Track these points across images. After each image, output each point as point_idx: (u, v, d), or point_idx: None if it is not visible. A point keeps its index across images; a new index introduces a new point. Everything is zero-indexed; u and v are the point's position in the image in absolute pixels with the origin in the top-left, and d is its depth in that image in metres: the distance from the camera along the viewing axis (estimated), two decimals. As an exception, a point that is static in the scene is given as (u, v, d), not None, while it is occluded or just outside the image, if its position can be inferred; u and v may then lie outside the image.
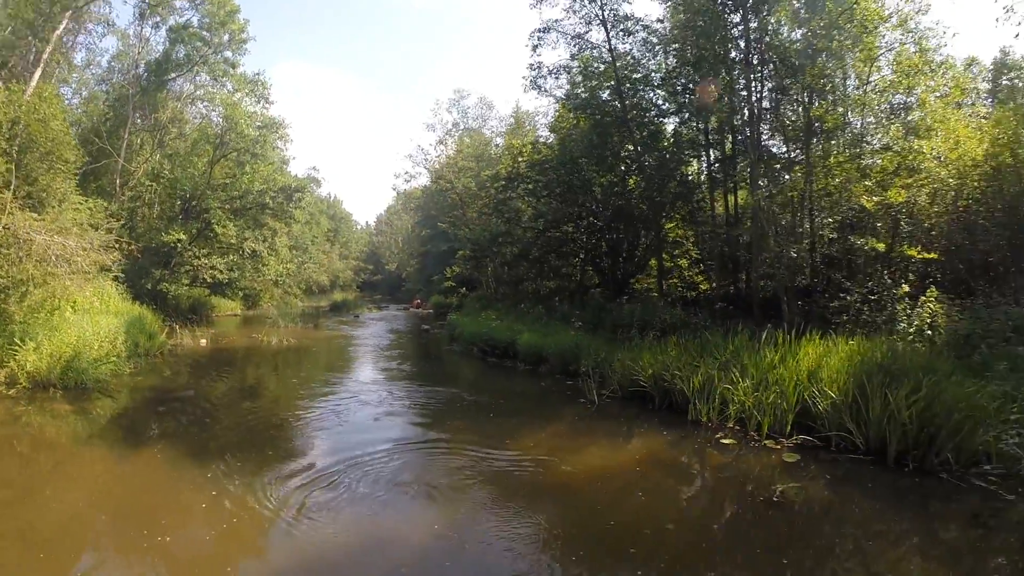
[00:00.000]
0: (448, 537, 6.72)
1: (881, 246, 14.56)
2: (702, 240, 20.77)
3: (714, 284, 20.29)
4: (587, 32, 22.43)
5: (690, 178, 22.89)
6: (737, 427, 10.49)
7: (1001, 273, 15.41)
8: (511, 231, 24.94)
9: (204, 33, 32.45)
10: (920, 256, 14.40)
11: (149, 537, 6.37)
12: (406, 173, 50.23)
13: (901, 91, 17.48)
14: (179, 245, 30.10)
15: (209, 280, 33.22)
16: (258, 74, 34.45)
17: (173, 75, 32.68)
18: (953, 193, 16.11)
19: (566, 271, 23.67)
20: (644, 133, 21.72)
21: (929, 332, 12.20)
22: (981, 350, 11.48)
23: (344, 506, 7.36)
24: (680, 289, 21.55)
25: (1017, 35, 51.78)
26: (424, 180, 47.91)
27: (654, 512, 7.42)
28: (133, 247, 19.78)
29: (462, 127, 45.30)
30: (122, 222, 24.70)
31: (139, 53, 32.91)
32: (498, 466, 8.97)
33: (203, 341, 22.94)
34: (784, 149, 19.35)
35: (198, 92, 34.79)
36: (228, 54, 33.67)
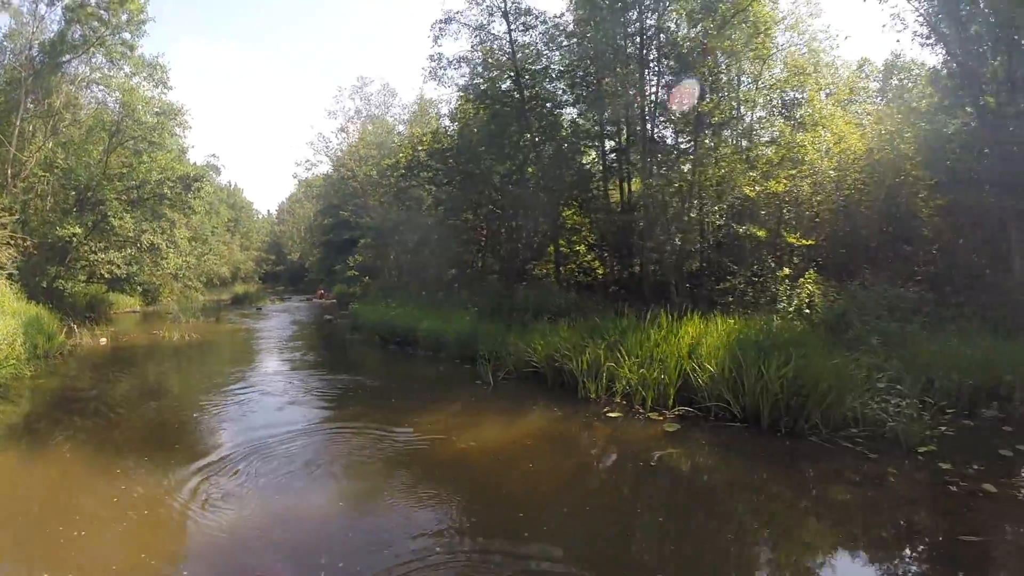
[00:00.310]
0: (350, 510, 6.96)
1: (762, 233, 15.41)
2: (597, 227, 21.33)
3: (608, 269, 20.90)
4: (489, 23, 22.61)
5: (586, 167, 23.39)
6: (624, 402, 10.94)
7: (881, 257, 16.53)
8: (412, 219, 24.90)
9: (102, 12, 30.59)
10: (799, 243, 15.28)
11: (65, 533, 6.23)
12: (307, 161, 48.96)
13: (790, 88, 18.45)
14: (75, 239, 28.36)
15: (107, 276, 31.61)
16: (157, 57, 32.77)
17: (68, 57, 30.45)
18: (834, 184, 17.14)
19: (467, 258, 23.83)
20: (542, 123, 22.10)
21: (807, 311, 13.02)
22: (855, 326, 12.42)
23: (250, 491, 7.36)
24: (577, 274, 22.08)
25: (898, 40, 55.25)
26: (326, 168, 47.02)
27: (542, 480, 7.89)
28: (28, 243, 18.58)
29: (364, 114, 44.65)
30: (16, 216, 23.29)
31: (33, 33, 30.61)
32: (398, 445, 9.19)
33: (103, 340, 21.81)
34: (676, 140, 20.11)
35: (94, 75, 32.76)
36: (126, 35, 31.84)
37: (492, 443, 9.29)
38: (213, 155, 79.46)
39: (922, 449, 8.32)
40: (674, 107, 17.73)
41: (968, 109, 15.68)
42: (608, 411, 10.65)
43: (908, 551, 6.25)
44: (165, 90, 33.15)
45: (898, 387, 9.70)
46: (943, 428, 8.99)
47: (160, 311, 36.09)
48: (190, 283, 40.35)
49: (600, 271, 21.79)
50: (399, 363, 17.77)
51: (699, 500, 7.46)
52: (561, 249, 22.16)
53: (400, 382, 14.80)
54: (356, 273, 38.75)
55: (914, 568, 5.97)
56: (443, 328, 18.10)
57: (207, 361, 19.69)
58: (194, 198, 33.88)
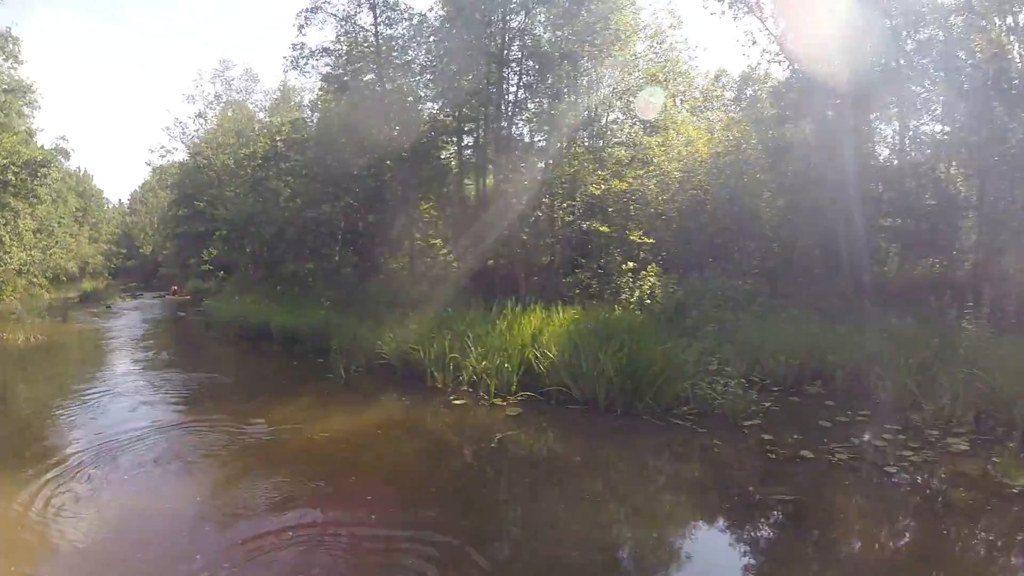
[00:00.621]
0: (204, 502, 6.94)
1: (605, 228, 16.15)
2: (453, 222, 21.56)
3: (463, 263, 21.16)
4: (356, 14, 22.40)
5: (444, 162, 23.58)
6: (470, 389, 11.26)
7: (724, 253, 17.65)
8: (268, 211, 24.19)
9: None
10: (640, 240, 16.13)
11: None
12: (162, 147, 46.12)
13: (645, 94, 19.34)
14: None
15: (-56, 274, 28.58)
16: (9, 28, 30.06)
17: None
18: (678, 184, 18.13)
19: (325, 252, 23.43)
20: (403, 117, 22.05)
21: (648, 302, 13.80)
22: (692, 315, 13.27)
23: (104, 493, 7.12)
24: (432, 268, 22.18)
25: (745, 55, 58.76)
26: (182, 155, 44.57)
27: (389, 463, 8.24)
28: None
29: (225, 99, 42.66)
30: None
31: None
32: (251, 438, 9.21)
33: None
34: (532, 139, 20.62)
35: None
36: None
37: (342, 433, 9.44)
38: (62, 138, 72.79)
39: (747, 423, 9.16)
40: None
41: (808, 121, 17.12)
42: (455, 399, 10.95)
43: (727, 510, 6.95)
44: (15, 64, 30.56)
45: (727, 369, 10.63)
46: (768, 404, 9.90)
47: (2, 311, 33.26)
48: (35, 279, 36.89)
49: (454, 264, 22.01)
50: (253, 359, 17.50)
51: (536, 473, 8.09)
52: (418, 243, 22.21)
53: (254, 378, 14.65)
54: (211, 268, 37.03)
55: (732, 524, 6.65)
56: (297, 323, 17.90)
57: (56, 364, 18.31)
58: (40, 185, 31.25)
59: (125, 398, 12.15)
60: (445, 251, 21.08)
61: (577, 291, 14.90)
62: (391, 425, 9.84)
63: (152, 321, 30.11)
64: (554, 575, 5.56)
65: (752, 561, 5.96)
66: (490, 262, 20.09)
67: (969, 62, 15.89)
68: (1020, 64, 15.83)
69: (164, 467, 7.99)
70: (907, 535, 6.51)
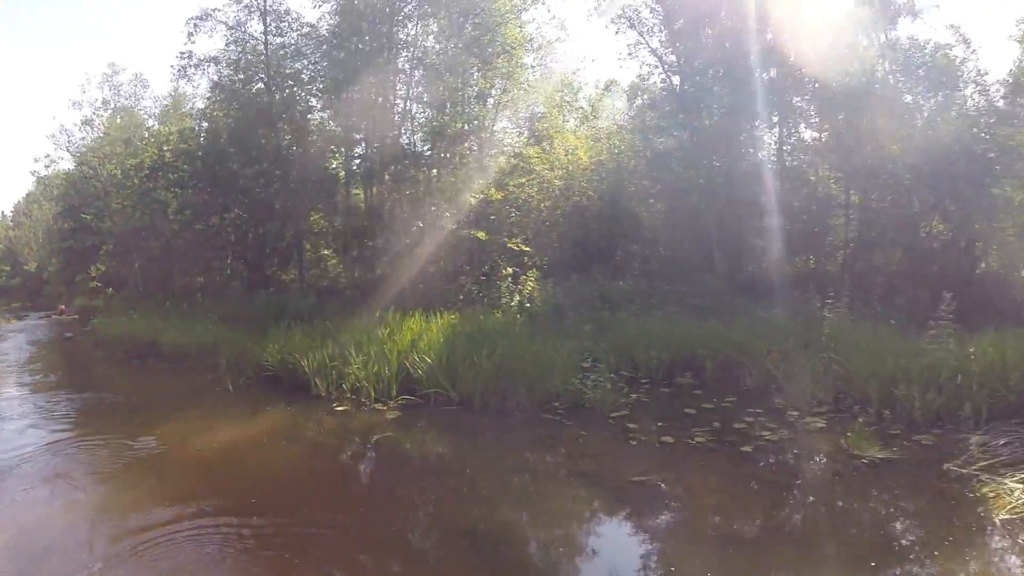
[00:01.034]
0: (97, 514, 7.02)
1: (482, 235, 16.65)
2: (341, 232, 21.65)
3: (350, 273, 21.29)
4: (247, 22, 22.28)
5: (333, 172, 23.60)
6: (352, 396, 11.55)
7: (606, 256, 18.41)
8: (156, 224, 23.58)
9: None
10: (517, 247, 16.75)
11: None
12: (47, 156, 43.94)
13: (530, 104, 19.95)
14: None
15: None
16: None
17: None
18: (559, 192, 18.81)
19: (215, 265, 23.04)
20: (292, 127, 21.98)
21: (528, 305, 14.38)
22: (570, 316, 13.89)
23: None
24: (321, 279, 22.18)
25: (620, 66, 60.85)
26: (68, 164, 42.54)
27: (271, 469, 8.49)
28: None
29: (113, 105, 40.96)
30: None
31: None
32: (141, 453, 9.23)
33: None
34: (421, 148, 20.93)
35: None
36: None
37: (228, 443, 9.62)
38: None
39: (615, 414, 9.87)
40: None
41: (685, 130, 18.12)
42: (337, 406, 11.22)
43: (586, 494, 7.58)
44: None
45: (599, 365, 11.29)
46: (637, 396, 10.81)
47: None
48: (-90, 302, 34.76)
49: (344, 275, 22.09)
50: (142, 377, 17.01)
51: (410, 470, 8.53)
52: (307, 254, 22.15)
53: (143, 395, 14.33)
54: (99, 284, 35.55)
55: (589, 507, 7.34)
56: (186, 338, 17.69)
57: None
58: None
59: (12, 422, 11.79)
60: (334, 261, 21.12)
61: (461, 297, 15.33)
62: (275, 433, 10.08)
63: (38, 343, 28.62)
64: (426, 563, 5.96)
65: (604, 541, 6.53)
66: (379, 271, 20.23)
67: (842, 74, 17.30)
68: (885, 76, 17.48)
69: (55, 484, 7.98)
70: (757, 507, 7.16)
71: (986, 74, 18.58)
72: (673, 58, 19.37)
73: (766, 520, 6.77)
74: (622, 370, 11.48)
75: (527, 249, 16.54)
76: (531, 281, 14.71)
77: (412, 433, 9.87)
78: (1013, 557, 5.75)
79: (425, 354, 11.30)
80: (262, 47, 22.12)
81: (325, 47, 22.22)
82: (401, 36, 19.96)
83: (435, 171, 18.18)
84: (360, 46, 19.45)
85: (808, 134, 20.42)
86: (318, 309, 16.63)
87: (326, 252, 22.27)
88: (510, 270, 15.24)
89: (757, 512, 7.02)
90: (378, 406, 10.92)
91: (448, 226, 17.23)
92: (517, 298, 14.37)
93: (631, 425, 9.33)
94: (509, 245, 16.47)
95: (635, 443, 8.72)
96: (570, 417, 9.89)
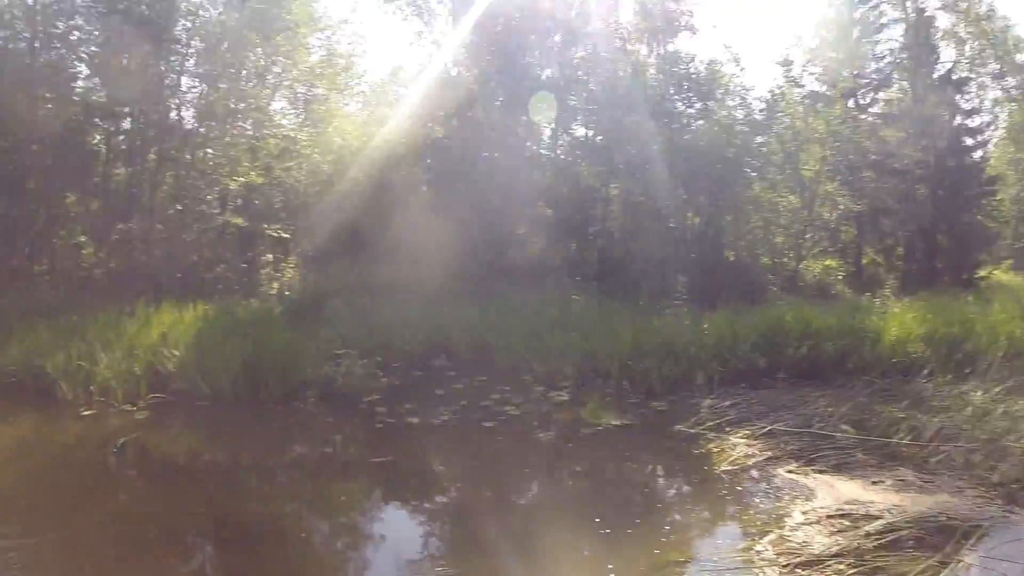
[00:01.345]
0: None
1: (239, 220, 16.60)
2: (101, 216, 20.26)
3: (108, 262, 20.08)
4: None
5: (95, 147, 21.68)
6: (101, 398, 11.04)
7: (374, 243, 18.88)
8: None
9: None
10: (276, 233, 16.86)
11: None
12: None
13: (307, 85, 19.87)
14: None
15: None
16: None
17: None
18: (327, 177, 19.03)
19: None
20: (54, 95, 19.99)
21: (288, 292, 14.65)
22: (329, 303, 14.36)
23: None
24: (76, 270, 20.59)
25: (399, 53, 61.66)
26: None
27: (6, 485, 7.82)
28: None
29: None
30: None
31: None
32: None
33: None
34: (195, 126, 20.09)
35: None
36: None
37: None
38: None
39: (367, 399, 10.55)
40: None
41: (455, 119, 19.10)
42: (84, 410, 10.69)
43: (327, 477, 8.26)
44: None
45: (352, 351, 11.81)
46: (388, 380, 11.47)
47: None
48: None
49: (100, 264, 20.70)
50: None
51: (153, 469, 8.59)
52: (61, 241, 20.35)
53: None
54: None
55: (329, 489, 7.89)
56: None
57: None
58: None
59: None
60: (90, 251, 19.64)
61: (220, 286, 15.18)
62: (12, 446, 9.41)
63: None
64: (172, 565, 6.05)
65: (343, 520, 7.20)
66: (138, 259, 19.17)
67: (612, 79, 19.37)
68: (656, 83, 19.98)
69: None
70: (489, 476, 8.19)
71: (751, 89, 22.78)
72: (463, 50, 20.14)
73: (496, 488, 7.79)
74: (377, 356, 11.98)
75: (287, 236, 16.61)
76: (290, 268, 14.86)
77: (160, 432, 9.78)
78: (732, 501, 7.07)
79: (175, 348, 11.21)
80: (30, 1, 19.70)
81: (101, 5, 20.33)
82: (183, 4, 18.76)
83: (202, 152, 17.47)
84: (141, 7, 17.98)
85: (580, 131, 22.75)
86: (71, 303, 15.49)
87: (82, 239, 20.42)
88: (270, 257, 15.30)
89: (488, 481, 8.05)
90: (127, 407, 10.60)
91: (210, 211, 16.82)
92: (276, 286, 14.51)
93: (380, 409, 10.07)
94: (269, 232, 16.45)
95: (381, 426, 9.47)
96: (322, 405, 10.44)
